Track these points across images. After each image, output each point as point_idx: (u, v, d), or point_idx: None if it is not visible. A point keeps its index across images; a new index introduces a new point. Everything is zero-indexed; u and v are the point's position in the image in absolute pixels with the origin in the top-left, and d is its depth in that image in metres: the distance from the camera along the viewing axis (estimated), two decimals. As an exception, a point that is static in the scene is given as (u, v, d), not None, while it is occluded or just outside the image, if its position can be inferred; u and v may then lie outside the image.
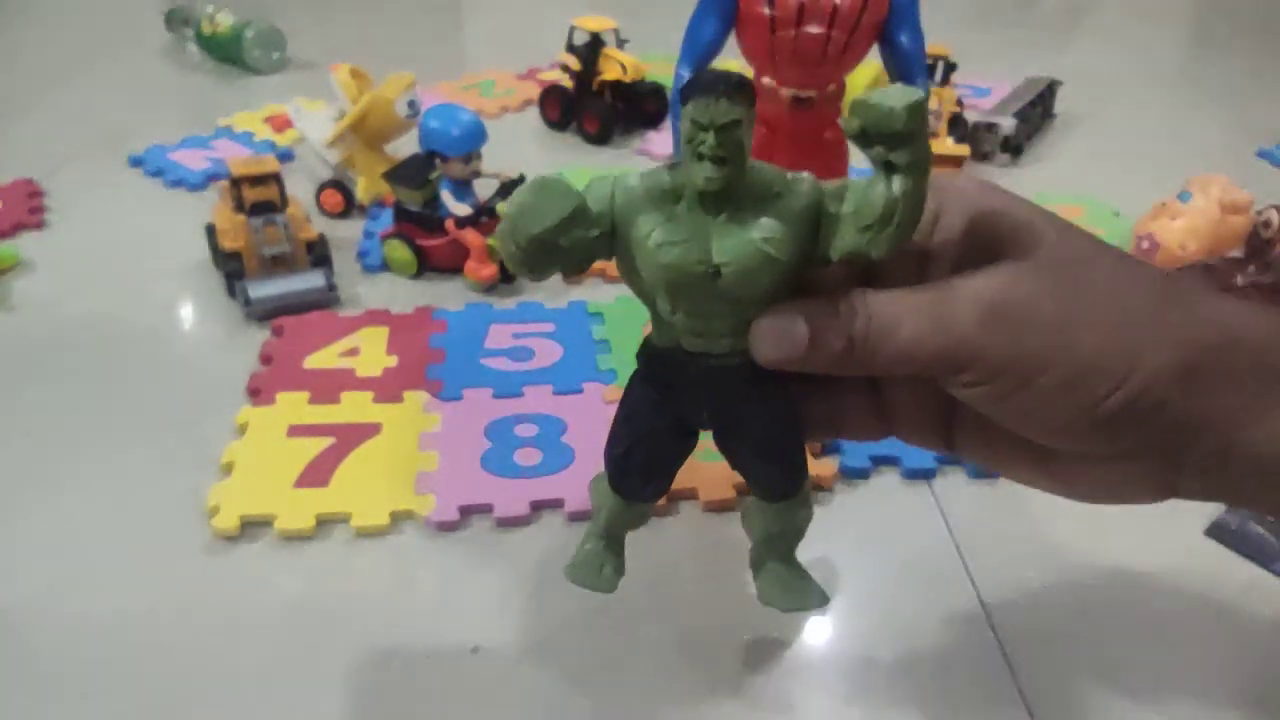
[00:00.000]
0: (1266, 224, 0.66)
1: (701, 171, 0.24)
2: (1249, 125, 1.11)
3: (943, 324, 0.24)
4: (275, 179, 0.65)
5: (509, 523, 0.48)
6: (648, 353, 0.30)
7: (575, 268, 0.27)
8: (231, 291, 0.66)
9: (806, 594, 0.34)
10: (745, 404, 0.29)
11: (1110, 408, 0.23)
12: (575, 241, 0.26)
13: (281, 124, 0.96)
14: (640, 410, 0.31)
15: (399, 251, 0.70)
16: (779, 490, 0.32)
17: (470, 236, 0.67)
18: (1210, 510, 0.51)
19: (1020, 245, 0.25)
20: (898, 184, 0.24)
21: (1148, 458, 0.25)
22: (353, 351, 0.61)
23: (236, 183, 0.65)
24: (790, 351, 0.26)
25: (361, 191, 0.79)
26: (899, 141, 0.23)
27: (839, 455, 0.53)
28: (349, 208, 0.80)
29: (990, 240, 0.26)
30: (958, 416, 0.29)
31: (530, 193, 0.26)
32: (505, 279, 0.70)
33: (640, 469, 0.32)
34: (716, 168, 0.24)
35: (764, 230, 0.25)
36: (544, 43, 1.12)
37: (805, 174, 0.27)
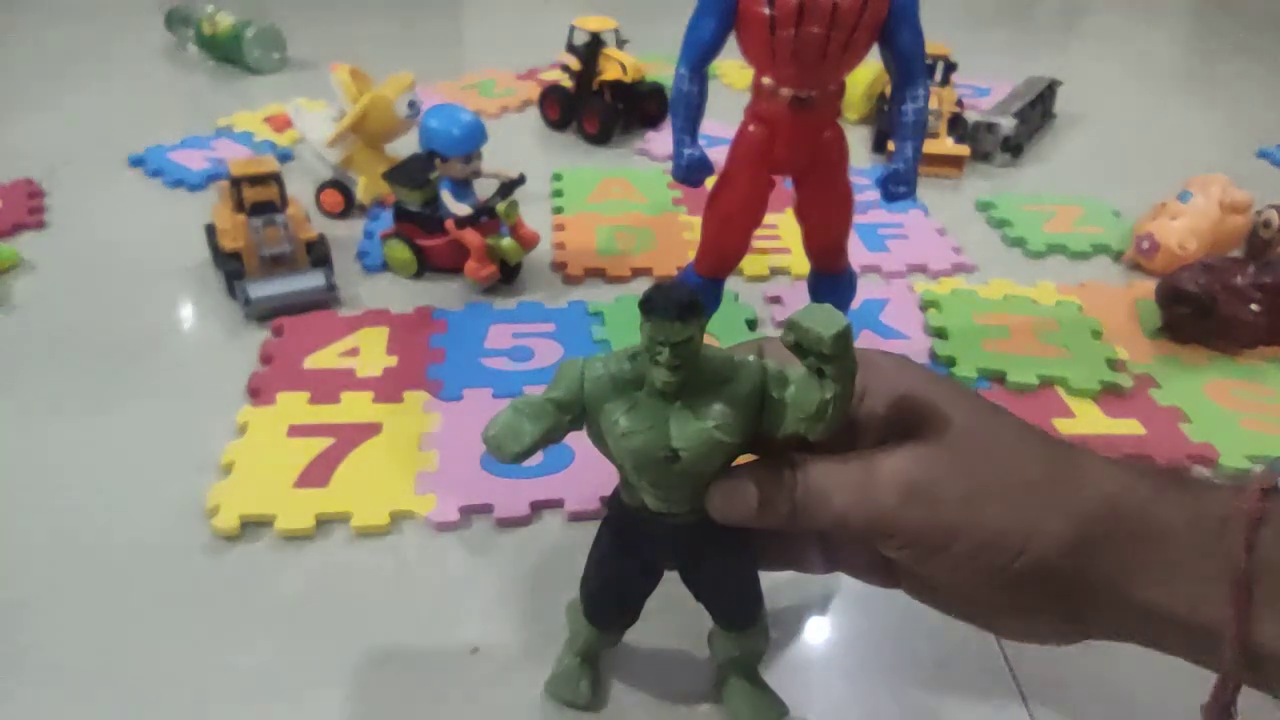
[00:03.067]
0: (1266, 224, 0.67)
1: (660, 376, 0.28)
2: (1249, 125, 1.11)
3: (868, 498, 0.28)
4: (275, 179, 0.65)
5: (509, 523, 0.48)
6: (618, 508, 0.34)
7: (553, 443, 0.31)
8: (231, 291, 0.66)
9: (770, 708, 0.38)
10: (706, 554, 0.34)
11: (1013, 572, 0.27)
12: (552, 437, 0.31)
13: (281, 124, 0.96)
14: (611, 557, 0.35)
15: (399, 251, 0.70)
16: (738, 622, 0.36)
17: (470, 236, 0.67)
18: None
19: (932, 422, 0.29)
20: (829, 389, 0.28)
21: (1055, 610, 0.29)
22: (353, 351, 0.61)
23: (236, 183, 0.65)
24: (743, 514, 0.30)
25: (361, 191, 0.80)
26: (827, 359, 0.27)
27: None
28: (349, 208, 0.80)
29: (908, 414, 0.29)
30: (898, 561, 0.32)
31: (509, 415, 0.30)
32: (505, 279, 0.70)
33: (613, 606, 0.37)
34: (672, 373, 0.28)
35: (716, 417, 0.29)
36: (544, 43, 1.12)
37: (750, 358, 0.30)
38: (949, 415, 0.29)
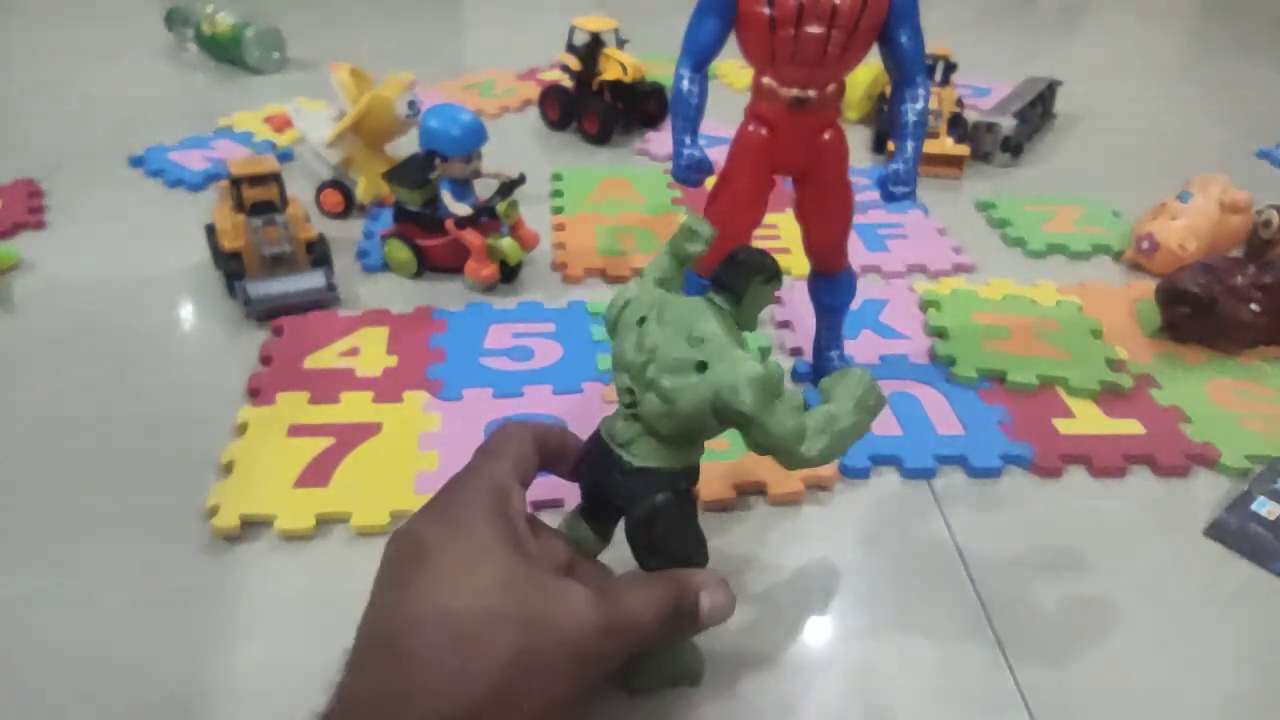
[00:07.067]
0: (1266, 224, 0.67)
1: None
2: (1249, 125, 1.11)
3: None
4: (275, 179, 0.65)
5: (509, 523, 0.48)
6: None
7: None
8: (231, 291, 0.66)
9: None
10: None
11: None
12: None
13: (281, 124, 0.96)
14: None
15: (399, 251, 0.70)
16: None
17: (470, 236, 0.67)
18: (1210, 510, 0.51)
19: None
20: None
21: None
22: (353, 351, 0.61)
23: (236, 183, 0.65)
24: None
25: (361, 191, 0.80)
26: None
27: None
28: (349, 208, 0.80)
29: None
30: None
31: (854, 437, 0.35)
32: (505, 279, 0.70)
33: None
34: None
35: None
36: (544, 43, 1.12)
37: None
38: None
